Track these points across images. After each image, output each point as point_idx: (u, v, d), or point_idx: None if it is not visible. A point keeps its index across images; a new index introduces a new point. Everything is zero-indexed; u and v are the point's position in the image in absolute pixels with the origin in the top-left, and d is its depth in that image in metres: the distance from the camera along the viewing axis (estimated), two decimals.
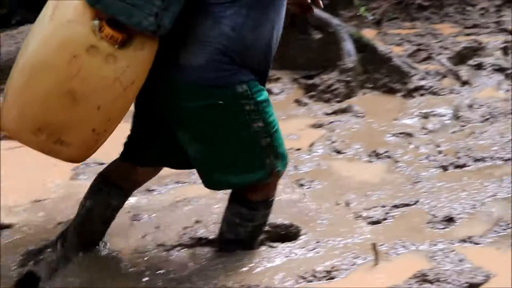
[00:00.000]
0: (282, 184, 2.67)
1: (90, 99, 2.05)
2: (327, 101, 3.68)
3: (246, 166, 2.23)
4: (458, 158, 3.02)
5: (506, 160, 2.99)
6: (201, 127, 2.18)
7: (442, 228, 2.47)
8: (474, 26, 4.57)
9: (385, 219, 2.54)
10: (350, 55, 3.82)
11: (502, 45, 4.16)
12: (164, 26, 1.97)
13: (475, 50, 4.13)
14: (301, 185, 2.80)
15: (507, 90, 3.74)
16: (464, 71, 3.93)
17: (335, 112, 3.51)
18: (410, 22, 4.73)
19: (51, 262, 2.32)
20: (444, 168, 2.97)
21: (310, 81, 3.84)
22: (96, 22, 1.95)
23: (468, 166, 2.97)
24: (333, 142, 3.20)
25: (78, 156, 2.21)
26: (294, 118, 3.58)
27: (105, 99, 2.05)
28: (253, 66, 2.14)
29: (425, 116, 3.49)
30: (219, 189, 2.45)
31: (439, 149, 3.14)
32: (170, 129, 2.22)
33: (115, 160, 2.42)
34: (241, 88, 2.13)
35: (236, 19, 2.06)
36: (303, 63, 4.00)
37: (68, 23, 1.98)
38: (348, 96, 3.72)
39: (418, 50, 4.20)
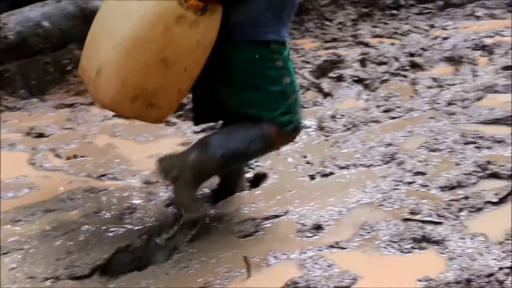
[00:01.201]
0: None
1: (179, 63, 2.36)
2: None
3: (281, 111, 2.52)
4: (324, 167, 3.12)
5: (368, 166, 3.13)
6: (244, 85, 2.50)
7: (311, 236, 2.55)
8: (333, 40, 4.74)
9: (256, 231, 2.58)
10: None
11: (360, 57, 4.35)
12: None
13: (335, 63, 4.29)
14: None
15: (367, 100, 3.91)
16: (325, 84, 4.07)
17: (203, 130, 3.53)
18: None
19: None
20: (312, 177, 3.06)
21: None
22: None
23: (334, 174, 3.08)
24: None
25: (163, 116, 2.56)
26: (163, 138, 3.57)
27: (191, 61, 2.38)
28: (287, 21, 2.50)
29: None
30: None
31: (306, 159, 3.24)
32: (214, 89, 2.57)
33: None
34: (274, 45, 2.47)
35: None
36: None
37: (158, 0, 2.30)
38: None
39: None
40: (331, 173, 3.09)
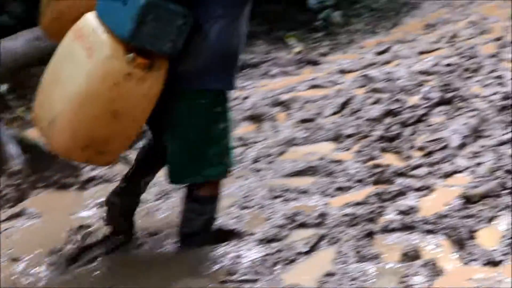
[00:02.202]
0: None
1: (127, 115, 2.60)
2: None
3: (211, 161, 2.82)
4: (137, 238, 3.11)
5: None
6: (184, 124, 2.76)
7: None
8: None
9: None
10: (15, 158, 3.72)
11: None
12: (178, 48, 2.57)
13: None
14: None
15: None
16: (132, 155, 4.03)
17: (8, 218, 3.37)
18: None
19: None
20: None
21: None
22: (131, 55, 2.49)
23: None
24: (9, 249, 3.07)
25: (112, 160, 2.82)
26: None
27: (138, 111, 2.62)
28: (231, 71, 2.74)
29: (102, 205, 3.51)
30: (183, 183, 2.96)
31: None
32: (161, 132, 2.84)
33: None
34: (218, 92, 2.75)
35: (220, 32, 2.63)
36: None
37: (108, 59, 2.51)
38: (20, 199, 3.60)
39: None
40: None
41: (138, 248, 3.13)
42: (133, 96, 2.56)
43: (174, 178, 2.89)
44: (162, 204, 3.50)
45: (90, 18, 2.63)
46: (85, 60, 2.56)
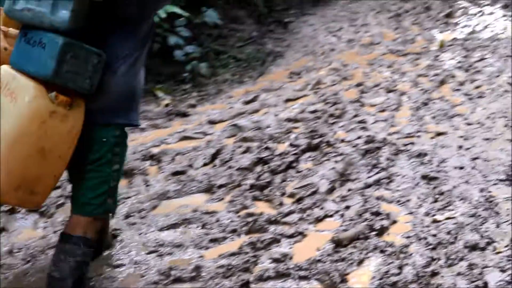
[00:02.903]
0: None
1: (54, 152, 2.78)
2: None
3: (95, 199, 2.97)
4: None
5: None
6: (91, 156, 2.94)
7: None
8: None
9: None
10: None
11: None
12: (95, 85, 2.82)
13: None
14: None
15: (44, 228, 3.80)
16: None
17: None
18: None
19: None
20: None
21: None
22: (53, 94, 2.73)
23: None
24: None
25: (41, 201, 2.94)
26: None
27: (64, 148, 2.81)
28: (136, 107, 3.01)
29: None
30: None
31: None
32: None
33: None
34: (119, 131, 2.97)
35: (127, 71, 2.91)
36: None
37: (34, 98, 2.71)
38: None
39: None
40: None
41: None
42: (58, 134, 2.77)
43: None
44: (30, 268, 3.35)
45: (6, 69, 2.81)
46: (10, 105, 2.73)
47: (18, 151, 2.72)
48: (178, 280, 3.16)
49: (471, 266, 3.12)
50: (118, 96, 2.92)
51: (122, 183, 4.28)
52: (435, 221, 3.57)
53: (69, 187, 4.19)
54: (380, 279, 3.05)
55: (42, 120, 2.73)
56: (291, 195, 3.99)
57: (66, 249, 2.95)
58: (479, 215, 3.57)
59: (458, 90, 5.76)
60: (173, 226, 3.71)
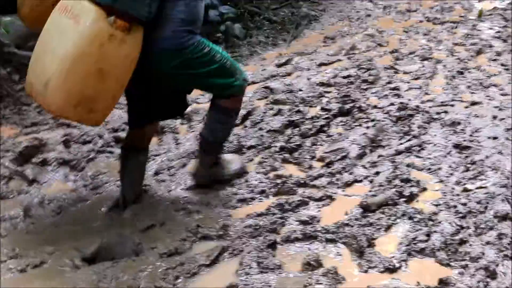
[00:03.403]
0: None
1: (111, 74, 3.00)
2: None
3: (225, 86, 3.39)
4: (34, 257, 3.01)
5: None
6: (187, 75, 3.27)
7: None
8: (33, 124, 4.59)
9: None
10: None
11: (63, 139, 4.26)
12: (153, 12, 3.03)
13: (37, 148, 4.14)
14: None
15: (74, 181, 3.84)
16: (29, 170, 3.91)
17: None
18: None
19: None
20: (22, 270, 2.93)
21: None
22: (112, 18, 2.94)
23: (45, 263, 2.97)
24: None
25: (100, 119, 3.16)
26: None
27: (121, 71, 3.03)
28: (198, 31, 3.26)
29: None
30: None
31: (15, 252, 3.10)
32: (159, 88, 3.30)
33: (127, 132, 3.63)
34: (197, 43, 3.23)
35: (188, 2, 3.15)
36: None
37: (94, 22, 2.94)
38: None
39: None
40: (42, 262, 2.98)
41: None
42: (116, 57, 2.98)
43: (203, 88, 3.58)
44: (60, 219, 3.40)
45: None
46: (72, 27, 2.96)
47: (78, 70, 2.95)
48: (205, 237, 3.18)
49: (500, 236, 3.08)
50: (180, 23, 3.14)
51: (153, 140, 4.31)
52: (465, 190, 3.52)
53: (100, 142, 4.25)
54: (408, 245, 3.03)
55: (101, 43, 2.94)
56: (321, 159, 3.97)
57: (220, 118, 3.55)
58: (511, 186, 3.52)
59: (495, 60, 5.64)
60: (202, 185, 3.72)
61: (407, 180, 3.60)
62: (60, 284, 2.86)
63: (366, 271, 2.91)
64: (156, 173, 3.89)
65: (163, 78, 3.26)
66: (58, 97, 2.98)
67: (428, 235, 3.10)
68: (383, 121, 4.39)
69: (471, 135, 4.15)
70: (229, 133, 3.69)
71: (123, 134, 4.38)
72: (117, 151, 4.19)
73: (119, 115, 4.79)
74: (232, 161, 3.81)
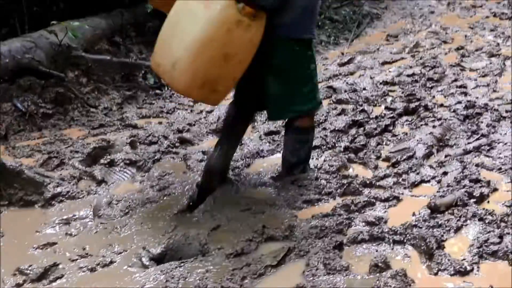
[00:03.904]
0: None
1: (236, 57, 3.19)
2: None
3: (307, 97, 3.53)
4: (104, 256, 3.05)
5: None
6: (283, 69, 3.42)
7: None
8: (100, 126, 4.68)
9: None
10: None
11: (129, 140, 4.33)
12: (277, 2, 3.23)
13: (105, 149, 4.22)
14: None
15: (141, 181, 3.89)
16: (98, 171, 3.98)
17: None
18: (38, 131, 4.66)
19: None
20: (92, 269, 2.97)
21: None
22: (241, 5, 3.11)
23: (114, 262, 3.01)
24: None
25: (221, 99, 3.41)
26: None
27: (244, 55, 3.21)
28: (314, 22, 3.47)
29: (67, 222, 3.45)
30: (284, 118, 3.77)
31: (85, 251, 3.13)
32: (262, 78, 3.43)
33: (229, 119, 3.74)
34: (309, 40, 3.45)
35: None
36: None
37: (224, 8, 3.11)
38: None
39: (50, 158, 4.14)
40: (112, 262, 3.02)
41: None
42: (241, 41, 3.16)
43: (275, 115, 3.69)
44: (128, 219, 3.45)
45: None
46: (202, 11, 3.12)
47: (205, 53, 3.14)
48: (271, 238, 3.16)
49: None
50: (302, 14, 3.31)
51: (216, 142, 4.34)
52: None
53: (165, 143, 4.29)
54: (479, 247, 2.96)
55: (229, 28, 3.12)
56: (387, 159, 3.92)
57: (299, 138, 3.64)
58: None
59: None
60: (267, 184, 3.71)
61: (476, 180, 3.52)
62: (128, 283, 2.89)
63: (436, 274, 2.84)
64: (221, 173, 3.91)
65: (268, 70, 3.42)
66: (185, 78, 3.21)
67: (500, 237, 3.01)
68: (450, 119, 4.31)
69: None
70: (311, 151, 3.77)
71: (188, 135, 4.44)
72: (182, 152, 4.24)
73: (183, 115, 4.85)
74: None
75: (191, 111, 4.98)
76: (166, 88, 5.45)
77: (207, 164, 3.63)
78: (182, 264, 2.99)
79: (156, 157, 4.16)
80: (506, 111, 4.38)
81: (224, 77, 3.23)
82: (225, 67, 3.19)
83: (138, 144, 4.32)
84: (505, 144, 3.94)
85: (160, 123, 4.73)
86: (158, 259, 3.09)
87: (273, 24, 3.27)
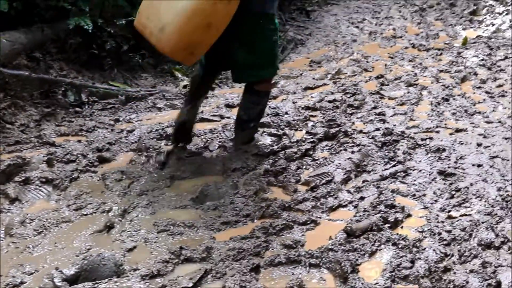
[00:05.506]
0: None
1: (215, 27, 3.72)
2: None
3: (267, 64, 4.19)
4: (13, 277, 2.95)
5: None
6: (249, 39, 4.06)
7: None
8: (16, 143, 4.54)
9: None
10: None
11: (46, 158, 4.21)
12: None
13: (20, 166, 4.09)
14: None
15: (57, 200, 3.79)
16: (11, 188, 3.86)
17: None
18: None
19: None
20: None
21: None
22: None
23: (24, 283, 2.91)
24: None
25: (194, 61, 4.01)
26: None
27: (222, 26, 3.75)
28: (276, 2, 4.15)
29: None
30: (247, 81, 4.34)
31: None
32: (229, 45, 4.02)
33: (194, 81, 4.40)
34: (272, 15, 4.09)
35: None
36: None
37: None
38: None
39: None
40: (22, 283, 2.92)
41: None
42: (222, 13, 3.69)
43: (239, 78, 4.34)
44: (42, 239, 3.34)
45: None
46: None
47: (193, 21, 3.64)
48: (188, 259, 3.14)
49: (484, 265, 3.07)
50: None
51: (136, 161, 4.27)
52: (450, 217, 3.52)
53: (83, 161, 4.21)
54: (392, 271, 3.02)
55: (215, 1, 3.64)
56: (306, 183, 3.96)
57: (254, 99, 4.32)
58: (495, 214, 3.52)
59: (479, 88, 5.70)
60: (185, 206, 3.69)
61: (391, 206, 3.60)
62: None
63: None
64: (140, 194, 3.86)
65: (236, 39, 3.99)
66: (172, 42, 3.71)
67: (412, 261, 3.09)
68: (368, 146, 4.40)
69: (455, 162, 4.17)
70: (262, 113, 4.42)
71: (107, 154, 4.37)
72: (100, 171, 4.17)
73: (103, 134, 4.77)
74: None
75: (112, 130, 4.90)
76: (86, 106, 5.36)
77: (178, 120, 4.30)
78: (95, 285, 2.93)
79: (73, 176, 4.07)
80: (422, 139, 4.51)
81: (203, 42, 3.75)
82: (206, 34, 3.71)
83: (55, 162, 4.21)
84: (420, 171, 4.06)
85: (79, 141, 4.63)
86: (72, 280, 3.01)
87: (244, 0, 3.80)
